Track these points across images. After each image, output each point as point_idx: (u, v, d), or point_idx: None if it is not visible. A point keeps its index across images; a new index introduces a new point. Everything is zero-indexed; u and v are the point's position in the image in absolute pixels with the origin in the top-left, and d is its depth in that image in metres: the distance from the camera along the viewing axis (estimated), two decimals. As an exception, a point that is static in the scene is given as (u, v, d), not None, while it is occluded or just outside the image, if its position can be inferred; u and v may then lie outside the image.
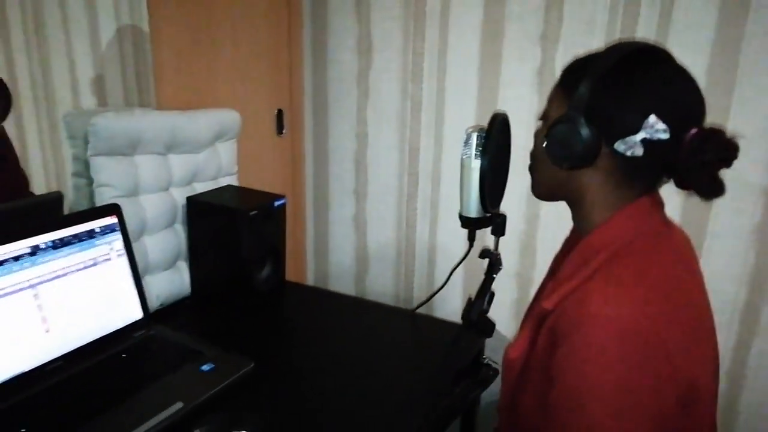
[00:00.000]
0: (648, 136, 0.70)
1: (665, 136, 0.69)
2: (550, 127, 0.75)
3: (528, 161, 0.86)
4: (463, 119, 1.75)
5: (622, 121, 0.71)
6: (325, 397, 1.02)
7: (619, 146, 0.71)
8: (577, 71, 0.76)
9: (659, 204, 0.79)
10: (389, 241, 1.99)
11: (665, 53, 0.75)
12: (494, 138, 0.94)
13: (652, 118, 0.69)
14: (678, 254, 0.79)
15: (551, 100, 0.81)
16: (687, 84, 0.73)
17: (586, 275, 0.73)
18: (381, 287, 2.04)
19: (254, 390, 1.02)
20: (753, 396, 1.52)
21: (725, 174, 1.33)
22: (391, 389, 1.05)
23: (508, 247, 1.75)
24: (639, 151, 0.71)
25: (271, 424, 0.91)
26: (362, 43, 1.86)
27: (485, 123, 0.90)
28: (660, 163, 0.73)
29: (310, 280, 2.19)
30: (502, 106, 1.68)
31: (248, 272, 1.30)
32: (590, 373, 0.67)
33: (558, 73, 0.80)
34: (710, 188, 0.71)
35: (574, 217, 0.83)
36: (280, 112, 1.89)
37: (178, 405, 0.92)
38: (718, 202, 1.45)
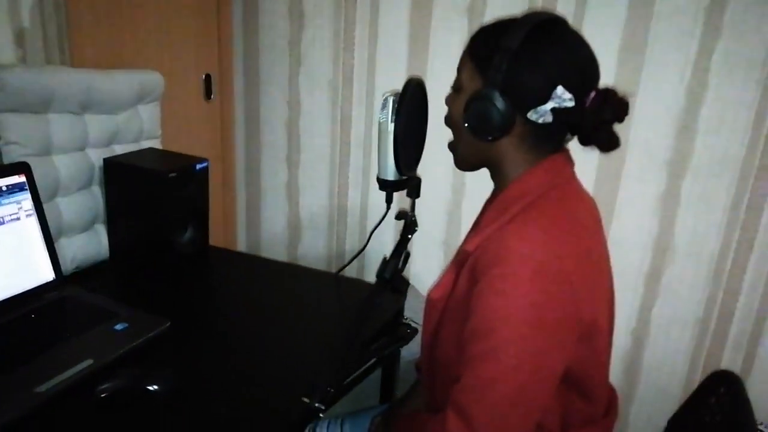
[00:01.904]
0: (556, 105, 0.77)
1: (571, 103, 0.77)
2: (468, 103, 0.80)
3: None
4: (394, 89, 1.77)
5: (533, 94, 0.77)
6: (241, 355, 1.04)
7: (532, 115, 0.78)
8: (487, 43, 0.80)
9: (570, 161, 0.87)
10: (321, 209, 2.00)
11: (563, 22, 0.81)
12: (408, 102, 0.97)
13: (560, 89, 0.76)
14: (586, 205, 0.87)
15: (461, 69, 0.85)
16: (584, 51, 0.80)
17: (505, 220, 0.80)
18: (314, 255, 2.06)
19: (170, 348, 1.02)
20: (655, 352, 1.63)
21: (635, 146, 1.42)
22: (309, 346, 1.08)
23: (435, 217, 1.79)
24: (549, 118, 0.78)
25: (184, 380, 0.92)
26: (294, 9, 1.84)
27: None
28: (566, 125, 0.81)
29: (241, 247, 2.18)
30: (431, 76, 1.70)
31: (169, 235, 1.28)
32: (503, 303, 0.73)
33: None
34: (609, 142, 0.80)
35: (494, 178, 0.89)
36: (208, 77, 1.85)
37: (88, 362, 0.91)
38: (627, 174, 1.54)
